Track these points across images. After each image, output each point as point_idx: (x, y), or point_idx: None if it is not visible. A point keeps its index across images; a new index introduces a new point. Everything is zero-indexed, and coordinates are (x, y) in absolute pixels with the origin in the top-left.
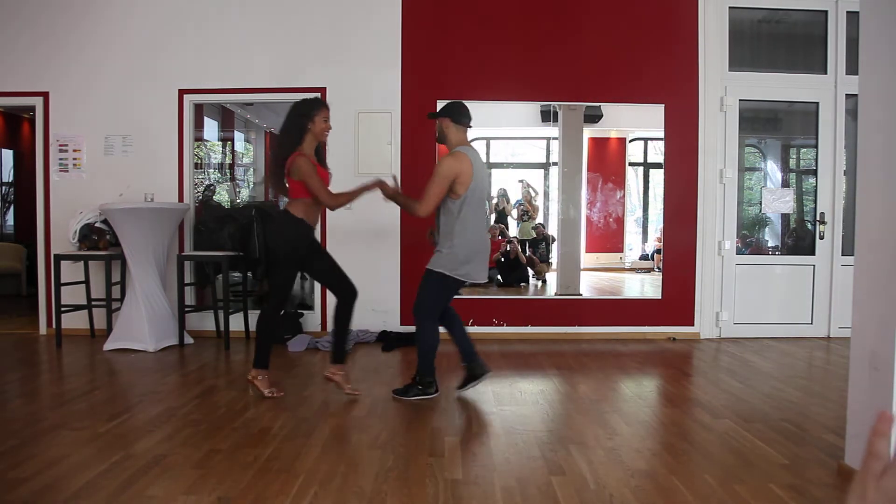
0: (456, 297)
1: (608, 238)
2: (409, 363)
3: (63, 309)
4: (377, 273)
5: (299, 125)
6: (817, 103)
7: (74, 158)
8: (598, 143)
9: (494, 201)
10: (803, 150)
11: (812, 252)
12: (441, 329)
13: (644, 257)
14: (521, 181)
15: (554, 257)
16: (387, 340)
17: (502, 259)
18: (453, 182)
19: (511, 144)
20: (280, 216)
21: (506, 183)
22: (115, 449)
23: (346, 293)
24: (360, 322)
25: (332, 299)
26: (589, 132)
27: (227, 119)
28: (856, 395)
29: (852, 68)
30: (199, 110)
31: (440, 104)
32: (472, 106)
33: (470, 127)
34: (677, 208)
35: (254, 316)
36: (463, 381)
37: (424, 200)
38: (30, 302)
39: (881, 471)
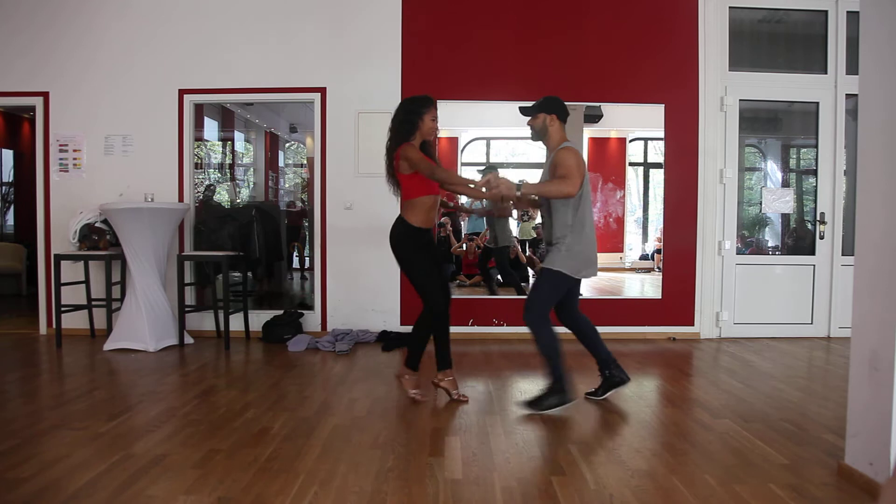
0: (456, 296)
1: (608, 238)
2: None
3: (63, 309)
4: (377, 273)
5: (409, 122)
6: (817, 103)
7: (74, 158)
8: (598, 143)
9: None
10: (803, 150)
11: (812, 252)
12: (562, 329)
13: (644, 257)
14: (521, 181)
15: None
16: (387, 340)
17: None
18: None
19: (511, 144)
20: (395, 222)
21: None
22: (115, 449)
23: (445, 298)
24: (360, 322)
25: (334, 300)
26: (589, 132)
27: (227, 119)
28: (856, 395)
29: (852, 68)
30: (199, 110)
31: (441, 104)
32: (472, 106)
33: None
34: (677, 208)
35: (253, 316)
36: (601, 389)
37: (570, 180)
38: (30, 302)
39: None
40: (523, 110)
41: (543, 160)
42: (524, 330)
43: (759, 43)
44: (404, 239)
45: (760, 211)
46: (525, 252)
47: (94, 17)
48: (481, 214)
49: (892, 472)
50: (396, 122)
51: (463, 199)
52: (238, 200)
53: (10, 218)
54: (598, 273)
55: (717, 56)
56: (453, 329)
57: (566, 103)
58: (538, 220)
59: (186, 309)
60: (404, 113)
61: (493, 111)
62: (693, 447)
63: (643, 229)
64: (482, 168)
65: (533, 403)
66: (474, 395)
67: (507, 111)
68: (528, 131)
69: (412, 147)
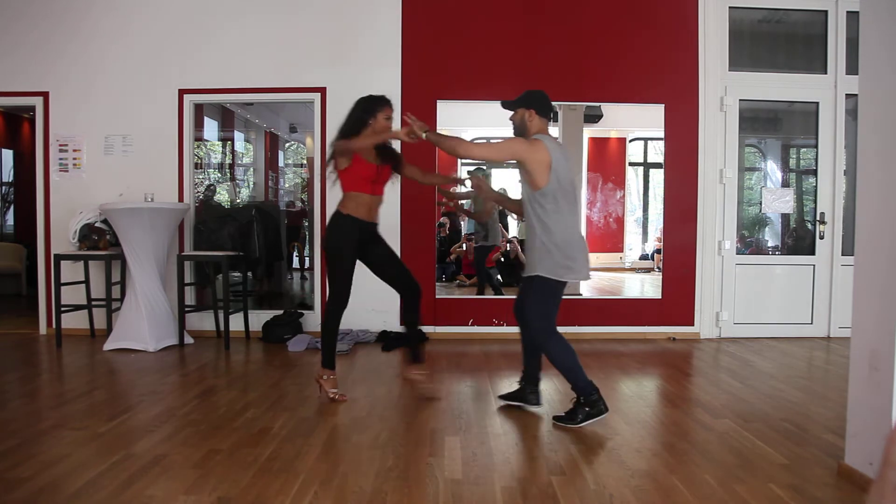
0: (456, 296)
1: (608, 238)
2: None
3: (63, 309)
4: None
5: (360, 119)
6: (817, 103)
7: (74, 158)
8: (598, 143)
9: None
10: (803, 150)
11: (812, 252)
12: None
13: (644, 257)
14: (521, 181)
15: None
16: (387, 340)
17: (502, 259)
18: (530, 172)
19: None
20: (332, 214)
21: (506, 183)
22: (115, 449)
23: (408, 289)
24: (360, 322)
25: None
26: (589, 132)
27: (227, 119)
28: (856, 394)
29: (852, 68)
30: (199, 110)
31: (441, 104)
32: (472, 106)
33: (552, 120)
34: (677, 208)
35: (253, 316)
36: (508, 395)
37: (475, 146)
38: (30, 302)
39: None
40: (504, 104)
41: None
42: None
43: (758, 43)
44: (332, 228)
45: (760, 211)
46: (524, 252)
47: (93, 17)
48: (467, 215)
49: (876, 475)
50: (348, 116)
51: (463, 202)
52: (238, 200)
53: (10, 218)
54: (599, 273)
55: (717, 56)
56: (454, 329)
57: (565, 103)
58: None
59: (186, 309)
60: (360, 111)
61: (494, 111)
62: (693, 447)
63: (643, 229)
64: (473, 169)
65: (564, 418)
66: (475, 394)
67: (507, 111)
68: None
69: (344, 144)
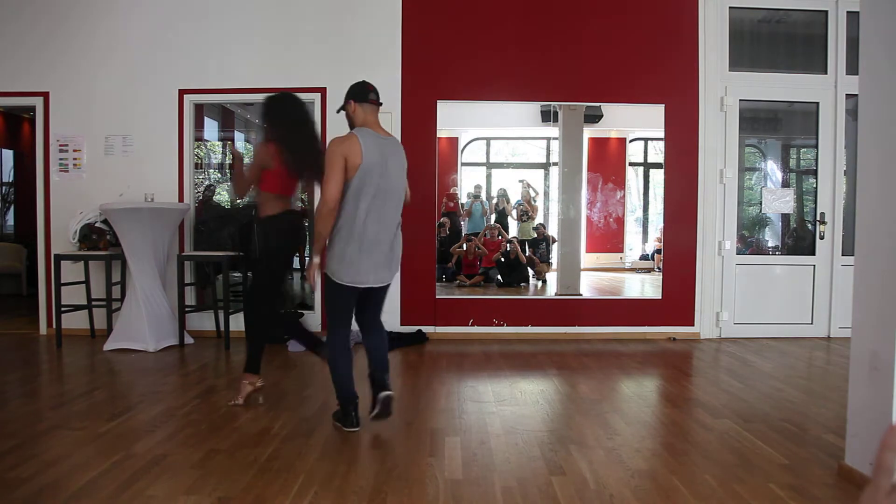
0: (456, 297)
1: (608, 238)
2: (409, 363)
3: (63, 309)
4: None
5: None
6: (817, 103)
7: (74, 158)
8: (598, 143)
9: (494, 201)
10: (803, 150)
11: (812, 252)
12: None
13: (644, 257)
14: (521, 181)
15: (554, 257)
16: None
17: (502, 259)
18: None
19: (511, 144)
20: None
21: (506, 183)
22: (115, 449)
23: None
24: None
25: None
26: (589, 132)
27: (227, 119)
28: (856, 395)
29: (852, 68)
30: (199, 110)
31: (441, 104)
32: (472, 106)
33: (379, 104)
34: (677, 208)
35: None
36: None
37: (321, 203)
38: (30, 302)
39: (891, 487)
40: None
41: (543, 160)
42: (524, 330)
43: (759, 43)
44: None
45: (760, 211)
46: (525, 252)
47: (94, 17)
48: None
49: (872, 475)
50: None
51: (463, 200)
52: (238, 200)
53: (10, 218)
54: (599, 273)
55: (717, 56)
56: (454, 329)
57: (566, 103)
58: (539, 219)
59: (186, 309)
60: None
61: (494, 111)
62: (693, 447)
63: (643, 229)
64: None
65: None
66: (475, 394)
67: (507, 111)
68: (529, 132)
69: None
